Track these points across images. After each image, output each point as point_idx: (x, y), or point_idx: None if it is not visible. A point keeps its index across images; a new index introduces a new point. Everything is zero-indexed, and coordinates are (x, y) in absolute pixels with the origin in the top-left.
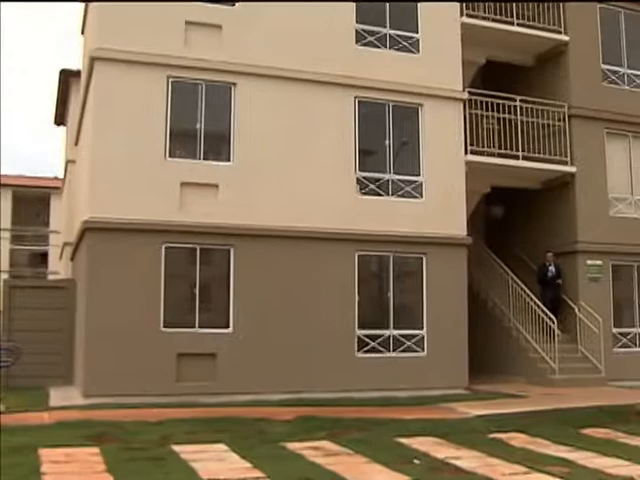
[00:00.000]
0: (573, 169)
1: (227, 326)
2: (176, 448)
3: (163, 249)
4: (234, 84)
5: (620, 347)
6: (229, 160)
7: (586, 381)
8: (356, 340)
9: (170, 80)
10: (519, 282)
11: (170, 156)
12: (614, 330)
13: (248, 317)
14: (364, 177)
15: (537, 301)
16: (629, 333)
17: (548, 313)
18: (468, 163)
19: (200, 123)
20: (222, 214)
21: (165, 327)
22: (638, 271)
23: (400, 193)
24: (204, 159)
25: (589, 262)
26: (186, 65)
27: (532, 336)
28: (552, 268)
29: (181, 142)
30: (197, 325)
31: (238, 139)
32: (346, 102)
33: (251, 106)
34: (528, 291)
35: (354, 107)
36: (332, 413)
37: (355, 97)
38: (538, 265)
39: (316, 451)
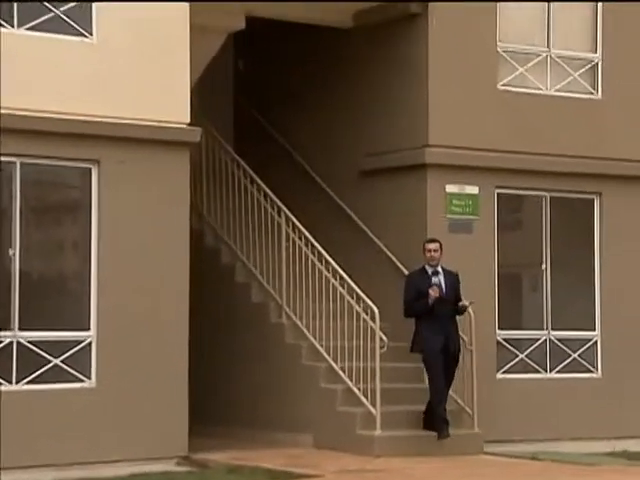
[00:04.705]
0: None
1: None
2: None
3: None
4: None
5: (511, 371)
6: None
7: (442, 442)
8: None
9: None
10: (305, 232)
11: None
12: (500, 334)
13: None
14: None
15: (341, 272)
16: (531, 341)
17: (364, 298)
18: None
19: None
20: None
21: None
22: (552, 209)
23: (37, 23)
24: None
25: (451, 189)
26: None
27: (327, 344)
28: (440, 278)
29: None
30: None
31: None
32: None
33: None
34: (322, 250)
35: None
36: None
37: None
38: (408, 274)
39: None
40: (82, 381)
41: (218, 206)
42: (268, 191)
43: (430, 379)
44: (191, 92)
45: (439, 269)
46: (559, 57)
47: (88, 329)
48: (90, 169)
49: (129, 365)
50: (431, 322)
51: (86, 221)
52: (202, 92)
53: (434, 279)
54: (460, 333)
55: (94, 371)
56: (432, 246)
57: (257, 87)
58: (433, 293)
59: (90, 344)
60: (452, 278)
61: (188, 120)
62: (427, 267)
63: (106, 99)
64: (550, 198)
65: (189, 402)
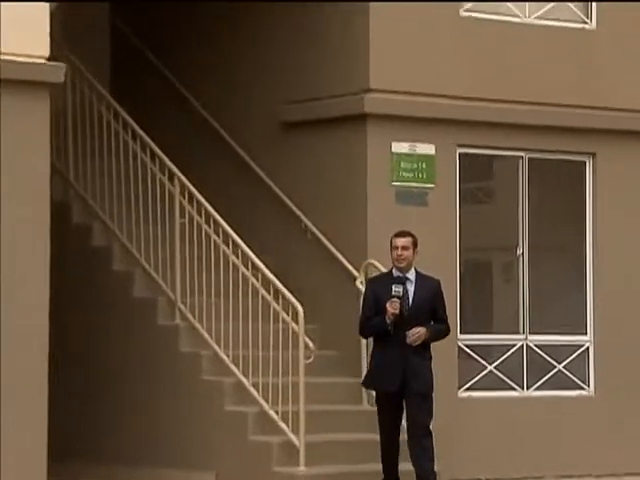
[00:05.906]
0: None
1: None
2: None
3: None
4: None
5: (477, 387)
6: None
7: None
8: None
9: None
10: (206, 204)
11: None
12: (462, 340)
13: None
14: None
15: (254, 257)
16: (503, 348)
17: (284, 292)
18: None
19: None
20: None
21: None
22: (532, 175)
23: None
24: None
25: (399, 148)
26: None
27: (235, 353)
28: (407, 287)
29: None
30: None
31: None
32: None
33: None
34: (229, 228)
35: None
36: None
37: None
38: (369, 279)
39: None
40: None
41: (89, 170)
42: (156, 149)
43: (379, 430)
44: (51, 17)
45: (410, 275)
46: None
47: None
48: None
49: None
50: (388, 350)
51: None
52: (67, 16)
53: (395, 288)
54: None
55: None
56: (400, 241)
57: (141, 9)
58: (391, 309)
59: None
60: (429, 288)
61: (47, 53)
62: (394, 271)
63: None
64: (529, 160)
65: (49, 432)
